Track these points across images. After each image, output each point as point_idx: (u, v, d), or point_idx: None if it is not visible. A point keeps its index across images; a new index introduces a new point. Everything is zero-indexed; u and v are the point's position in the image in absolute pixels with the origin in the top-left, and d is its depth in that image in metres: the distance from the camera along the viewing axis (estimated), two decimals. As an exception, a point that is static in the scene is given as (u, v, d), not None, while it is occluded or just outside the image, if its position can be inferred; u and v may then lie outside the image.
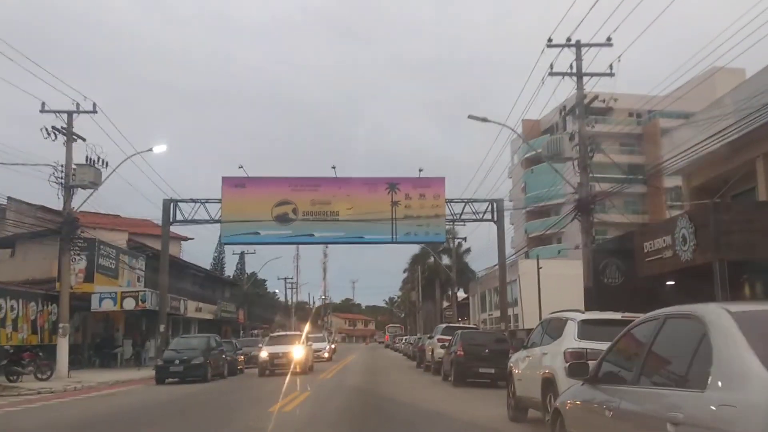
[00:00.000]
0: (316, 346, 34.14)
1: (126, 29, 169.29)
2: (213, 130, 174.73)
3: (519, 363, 10.90)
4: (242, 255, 68.77)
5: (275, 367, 25.32)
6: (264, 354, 26.03)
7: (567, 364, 5.38)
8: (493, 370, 18.86)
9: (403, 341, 58.96)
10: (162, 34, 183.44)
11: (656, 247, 17.50)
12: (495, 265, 41.17)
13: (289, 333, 31.08)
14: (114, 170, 25.77)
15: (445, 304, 67.37)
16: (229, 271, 77.39)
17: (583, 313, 9.30)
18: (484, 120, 21.80)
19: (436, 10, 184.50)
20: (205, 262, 68.06)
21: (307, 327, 35.79)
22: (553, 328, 9.92)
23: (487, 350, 19.29)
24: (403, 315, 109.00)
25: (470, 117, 22.08)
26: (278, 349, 25.95)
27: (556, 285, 38.16)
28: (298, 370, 24.48)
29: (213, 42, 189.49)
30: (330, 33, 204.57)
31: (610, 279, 19.55)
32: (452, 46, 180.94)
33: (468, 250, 64.32)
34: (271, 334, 32.38)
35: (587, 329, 8.86)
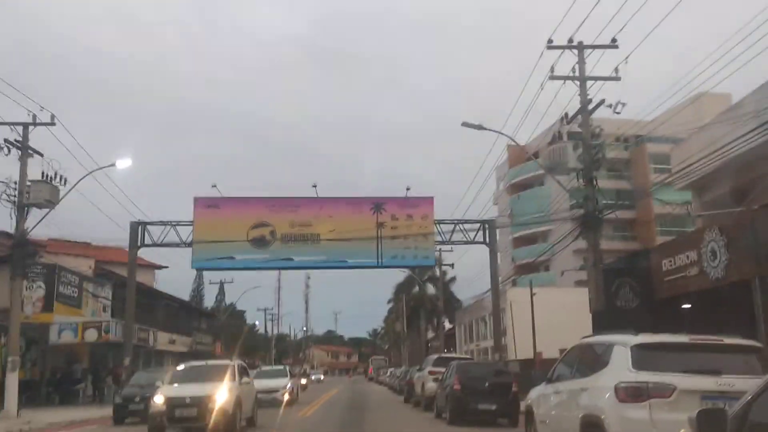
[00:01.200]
0: (263, 383, 23.60)
1: (108, 57, 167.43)
2: (188, 159, 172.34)
3: (542, 401, 8.73)
4: (221, 285, 66.22)
5: (178, 423, 15.15)
6: (158, 399, 15.11)
7: (694, 415, 3.20)
8: (494, 407, 16.75)
9: (389, 374, 56.60)
10: (137, 53, 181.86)
11: (678, 264, 15.57)
12: (485, 292, 39.11)
13: (210, 363, 18.45)
14: (73, 187, 23.47)
15: (430, 334, 65.19)
16: (209, 302, 74.78)
17: (636, 335, 7.15)
18: (480, 128, 19.88)
19: (416, 36, 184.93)
20: (184, 293, 65.33)
21: (237, 349, 28.71)
22: (591, 357, 7.78)
23: (487, 383, 17.08)
24: (387, 347, 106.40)
25: (464, 124, 20.17)
26: (186, 390, 15.21)
27: (548, 313, 36.22)
28: (220, 427, 14.43)
29: (193, 68, 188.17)
30: (310, 60, 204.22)
31: (623, 302, 17.50)
32: (440, 71, 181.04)
33: (453, 279, 62.45)
34: (182, 365, 18.10)
35: (645, 356, 6.73)
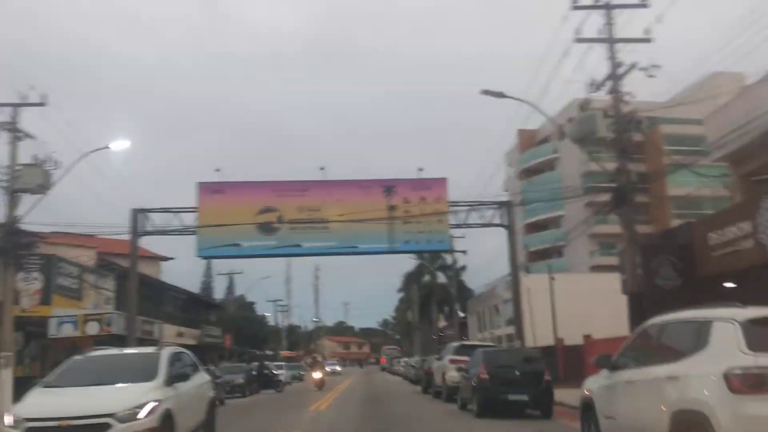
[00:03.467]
0: (63, 401, 9.20)
1: (114, 55, 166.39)
2: (192, 155, 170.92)
3: (607, 393, 7.26)
4: (231, 277, 64.92)
5: None
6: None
7: None
8: (526, 397, 15.35)
9: (402, 363, 55.49)
10: (141, 52, 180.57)
11: (728, 237, 14.09)
12: (504, 277, 37.65)
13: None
14: (67, 171, 22.06)
15: (441, 323, 64.06)
16: (219, 294, 73.47)
17: (743, 308, 5.68)
18: (500, 95, 18.38)
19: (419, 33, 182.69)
20: (193, 286, 64.06)
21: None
22: (678, 338, 6.30)
23: (517, 372, 15.65)
24: (398, 337, 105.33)
25: (483, 92, 18.66)
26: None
27: (565, 299, 34.85)
28: None
29: (200, 67, 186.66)
30: (318, 60, 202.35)
31: (665, 281, 15.99)
32: (446, 62, 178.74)
33: (464, 268, 61.20)
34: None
35: (761, 335, 5.25)
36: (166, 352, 10.44)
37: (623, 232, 17.51)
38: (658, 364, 6.27)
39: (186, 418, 9.84)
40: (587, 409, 7.72)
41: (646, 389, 6.30)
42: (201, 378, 11.56)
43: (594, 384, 7.72)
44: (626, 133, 17.79)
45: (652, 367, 6.36)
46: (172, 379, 9.78)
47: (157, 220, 28.66)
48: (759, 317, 5.42)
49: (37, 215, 29.82)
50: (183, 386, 10.08)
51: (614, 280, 21.46)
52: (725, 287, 16.25)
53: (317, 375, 34.58)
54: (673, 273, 16.18)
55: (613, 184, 18.29)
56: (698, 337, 5.75)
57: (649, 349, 6.82)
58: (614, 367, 7.23)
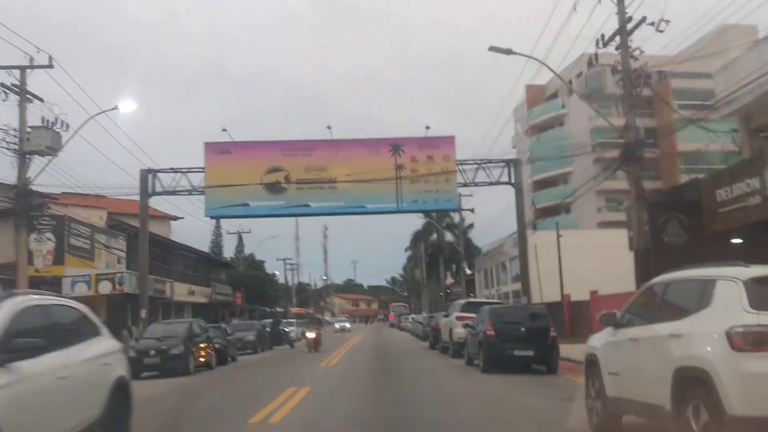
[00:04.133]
0: None
1: (121, 16, 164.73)
2: (201, 117, 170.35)
3: (611, 350, 7.39)
4: (240, 236, 65.33)
5: None
6: None
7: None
8: (531, 353, 15.61)
9: (410, 320, 56.27)
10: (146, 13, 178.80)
11: (735, 193, 14.07)
12: (510, 235, 37.83)
13: None
14: (75, 132, 22.19)
15: (449, 281, 64.59)
16: (228, 253, 74.01)
17: (747, 267, 5.75)
18: (509, 52, 18.21)
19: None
20: (203, 245, 64.51)
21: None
22: (682, 296, 6.38)
23: (523, 329, 15.87)
24: (406, 294, 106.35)
25: (491, 49, 18.50)
26: None
27: (572, 256, 34.95)
28: None
29: (204, 22, 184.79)
30: (326, 17, 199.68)
31: (672, 238, 16.06)
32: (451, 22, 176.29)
33: (471, 226, 61.44)
34: None
35: (765, 294, 5.34)
36: (6, 307, 5.61)
37: (631, 188, 17.54)
38: (662, 321, 6.35)
39: (40, 420, 5.48)
40: (591, 365, 7.85)
41: (650, 346, 6.41)
42: (95, 348, 6.82)
43: (598, 341, 7.85)
44: (635, 88, 17.68)
45: (656, 324, 6.46)
46: (10, 354, 5.22)
47: (166, 180, 28.86)
48: (762, 276, 5.46)
49: (47, 177, 30.27)
50: (37, 366, 5.54)
51: (622, 236, 21.54)
52: (732, 244, 16.32)
53: (311, 335, 29.74)
54: (680, 230, 16.25)
55: (621, 140, 18.30)
56: (702, 295, 5.83)
57: (653, 306, 6.90)
58: (618, 325, 7.35)
